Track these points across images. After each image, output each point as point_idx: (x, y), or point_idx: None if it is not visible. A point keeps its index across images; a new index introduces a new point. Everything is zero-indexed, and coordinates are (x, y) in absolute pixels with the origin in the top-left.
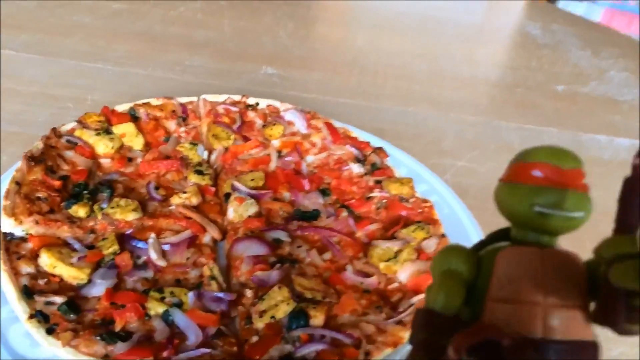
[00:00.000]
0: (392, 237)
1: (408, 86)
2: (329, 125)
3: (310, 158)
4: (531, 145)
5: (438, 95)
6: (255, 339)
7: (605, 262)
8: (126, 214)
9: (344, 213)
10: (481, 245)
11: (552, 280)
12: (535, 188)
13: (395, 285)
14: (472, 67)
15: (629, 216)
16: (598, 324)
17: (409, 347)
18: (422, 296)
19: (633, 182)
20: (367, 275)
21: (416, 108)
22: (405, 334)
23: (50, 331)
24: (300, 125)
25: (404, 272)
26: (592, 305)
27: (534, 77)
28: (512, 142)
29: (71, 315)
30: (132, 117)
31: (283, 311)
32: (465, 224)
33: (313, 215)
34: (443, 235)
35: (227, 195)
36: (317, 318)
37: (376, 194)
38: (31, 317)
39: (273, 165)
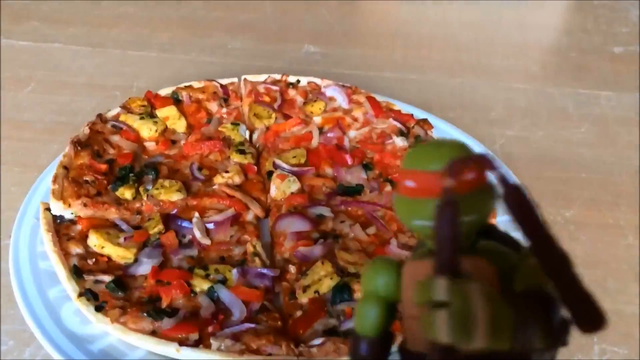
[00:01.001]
0: None
1: (454, 56)
2: (371, 99)
3: (352, 133)
4: (586, 110)
5: (486, 64)
6: (299, 313)
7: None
8: (170, 195)
9: (388, 187)
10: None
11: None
12: (410, 202)
13: None
14: (523, 33)
15: (443, 251)
16: None
17: None
18: None
19: (444, 211)
20: (412, 248)
21: (463, 78)
22: None
23: (99, 309)
24: (341, 100)
25: None
26: None
27: (589, 39)
28: (566, 108)
29: (119, 293)
30: (175, 100)
31: (327, 285)
32: None
33: (356, 190)
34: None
35: (270, 174)
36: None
37: None
38: (80, 295)
39: (315, 141)
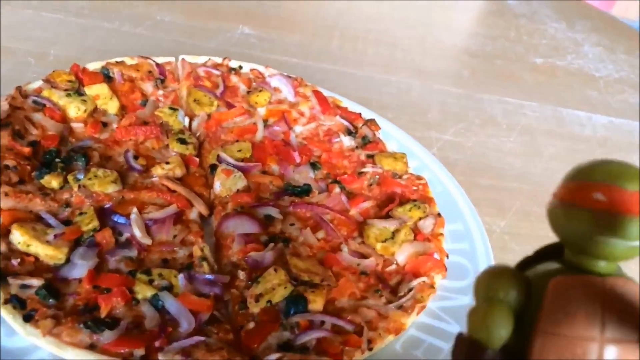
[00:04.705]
0: (387, 216)
1: (389, 53)
2: (318, 94)
3: (298, 128)
4: (514, 119)
5: (420, 64)
6: (251, 325)
7: None
8: (105, 186)
9: (336, 189)
10: (527, 262)
11: (612, 314)
12: (597, 214)
13: (393, 267)
14: (452, 35)
15: None
16: None
17: (409, 334)
18: (421, 279)
19: None
20: (364, 256)
21: (399, 77)
22: (407, 320)
23: (27, 318)
24: (287, 92)
25: (402, 254)
26: None
27: (513, 48)
28: (495, 116)
29: (50, 301)
30: (105, 77)
31: (280, 295)
32: (459, 203)
33: (305, 191)
34: (439, 215)
35: (213, 167)
36: (316, 303)
37: (369, 169)
38: (5, 302)
39: (260, 135)
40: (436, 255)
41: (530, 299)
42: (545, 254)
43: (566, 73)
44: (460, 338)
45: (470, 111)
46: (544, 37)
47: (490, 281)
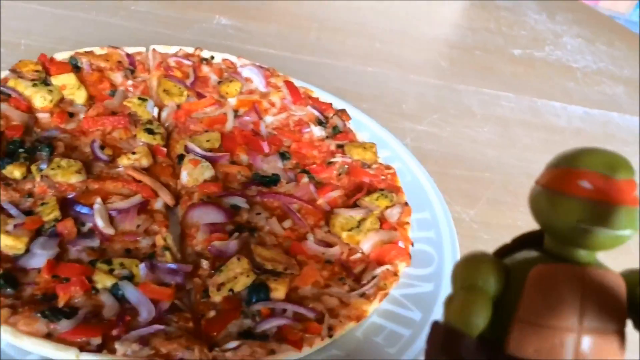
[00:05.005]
0: (355, 205)
1: (368, 44)
2: (289, 84)
3: (269, 119)
4: (489, 110)
5: (399, 55)
6: (212, 313)
7: None
8: (68, 176)
9: (305, 179)
10: (507, 250)
11: (592, 305)
12: (582, 202)
13: (357, 255)
14: (433, 27)
15: None
16: None
17: (371, 321)
18: (385, 267)
19: None
20: (329, 245)
21: (377, 68)
22: (369, 307)
23: None
24: (258, 82)
25: (367, 242)
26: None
27: (493, 39)
28: (471, 106)
29: (8, 290)
30: (74, 67)
31: (242, 284)
32: (429, 193)
33: (273, 180)
34: (406, 204)
35: (181, 157)
36: (279, 291)
37: (338, 159)
38: None
39: (230, 125)
40: (401, 244)
41: (509, 288)
42: (524, 242)
43: (544, 64)
44: (436, 326)
45: (446, 102)
46: (524, 29)
47: (469, 269)
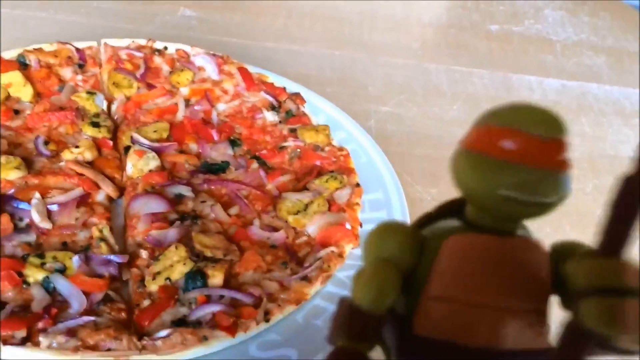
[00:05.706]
0: (304, 189)
1: (337, 28)
2: (243, 71)
3: (221, 106)
4: (460, 87)
5: (368, 38)
6: (146, 303)
7: (577, 290)
8: (6, 173)
9: (255, 164)
10: (428, 219)
11: (510, 279)
12: (503, 165)
13: (303, 239)
14: (407, 8)
15: (620, 232)
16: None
17: (314, 304)
18: (330, 249)
19: (633, 184)
20: (275, 229)
21: (344, 52)
22: (310, 290)
23: None
24: (211, 71)
25: (313, 225)
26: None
27: (468, 16)
28: (440, 84)
29: None
30: (21, 64)
31: (179, 272)
32: (383, 173)
33: (221, 168)
34: (357, 185)
35: (127, 149)
36: (216, 277)
37: (290, 143)
38: None
39: (180, 114)
40: (348, 225)
41: (423, 262)
42: (448, 210)
43: (522, 39)
44: (342, 302)
45: (413, 82)
46: (502, 5)
47: (380, 240)
